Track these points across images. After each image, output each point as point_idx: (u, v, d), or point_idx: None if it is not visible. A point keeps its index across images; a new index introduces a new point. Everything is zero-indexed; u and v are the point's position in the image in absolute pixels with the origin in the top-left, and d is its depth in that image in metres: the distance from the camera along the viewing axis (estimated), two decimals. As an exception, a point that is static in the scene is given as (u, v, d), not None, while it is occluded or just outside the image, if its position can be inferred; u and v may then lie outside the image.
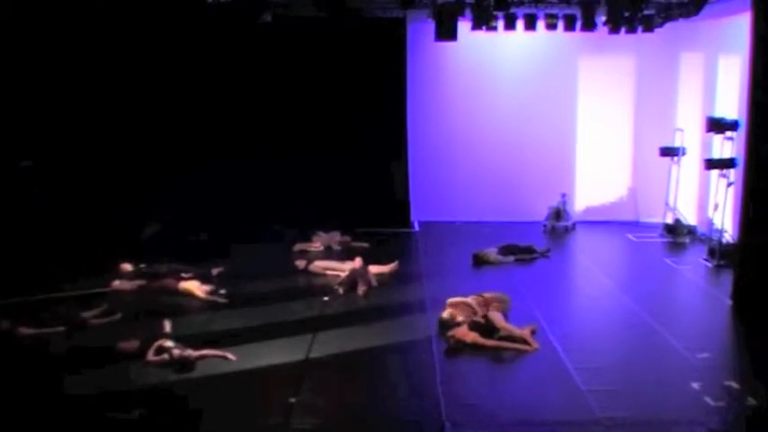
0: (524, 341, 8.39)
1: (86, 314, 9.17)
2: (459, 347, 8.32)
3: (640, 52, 14.82)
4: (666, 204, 14.58)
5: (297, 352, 8.20)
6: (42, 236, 11.40)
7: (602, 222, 15.34)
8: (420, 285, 10.95)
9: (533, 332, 8.65)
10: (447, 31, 12.55)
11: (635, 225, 15.14)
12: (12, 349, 8.26)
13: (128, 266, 11.09)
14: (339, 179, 14.29)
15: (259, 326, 9.07)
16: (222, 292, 10.37)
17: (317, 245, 13.10)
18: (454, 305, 9.11)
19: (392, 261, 11.72)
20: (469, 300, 9.25)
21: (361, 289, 10.60)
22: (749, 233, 9.78)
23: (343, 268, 11.31)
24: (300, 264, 11.84)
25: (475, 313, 8.96)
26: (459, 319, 8.86)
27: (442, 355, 8.17)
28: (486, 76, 15.06)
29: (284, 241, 13.15)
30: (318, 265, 11.75)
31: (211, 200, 13.58)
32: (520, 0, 12.73)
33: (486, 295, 9.46)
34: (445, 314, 8.97)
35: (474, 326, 8.55)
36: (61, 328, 8.74)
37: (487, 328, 8.51)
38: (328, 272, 11.50)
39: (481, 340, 8.37)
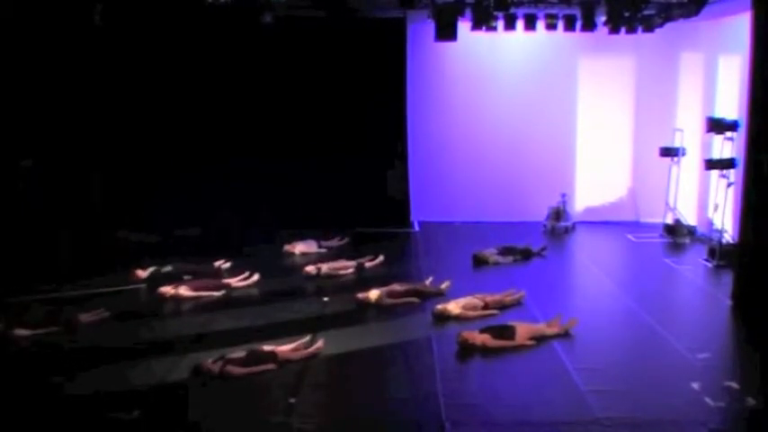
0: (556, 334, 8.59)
1: (84, 316, 9.14)
2: (469, 349, 8.26)
3: (640, 52, 14.82)
4: (666, 204, 14.57)
5: (297, 352, 8.20)
6: (41, 236, 11.39)
7: (601, 223, 15.34)
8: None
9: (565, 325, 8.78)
10: (447, 32, 12.55)
11: (635, 225, 15.14)
12: (9, 350, 8.26)
13: (141, 272, 10.98)
14: (339, 179, 14.29)
15: (259, 326, 9.07)
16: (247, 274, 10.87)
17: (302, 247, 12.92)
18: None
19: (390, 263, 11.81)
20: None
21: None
22: (749, 233, 9.78)
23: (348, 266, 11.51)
24: (311, 270, 11.37)
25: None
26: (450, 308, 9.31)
27: (442, 356, 8.16)
28: (485, 77, 15.06)
29: (276, 242, 13.06)
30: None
31: (211, 201, 13.56)
32: (520, 0, 12.72)
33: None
34: (439, 306, 9.39)
35: (486, 328, 8.50)
36: (55, 328, 8.72)
37: (502, 332, 8.46)
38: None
39: (492, 342, 8.32)
